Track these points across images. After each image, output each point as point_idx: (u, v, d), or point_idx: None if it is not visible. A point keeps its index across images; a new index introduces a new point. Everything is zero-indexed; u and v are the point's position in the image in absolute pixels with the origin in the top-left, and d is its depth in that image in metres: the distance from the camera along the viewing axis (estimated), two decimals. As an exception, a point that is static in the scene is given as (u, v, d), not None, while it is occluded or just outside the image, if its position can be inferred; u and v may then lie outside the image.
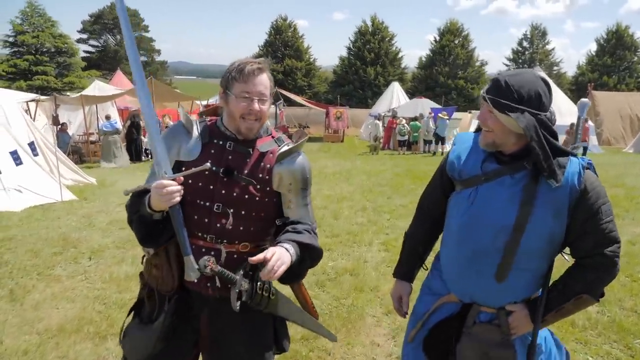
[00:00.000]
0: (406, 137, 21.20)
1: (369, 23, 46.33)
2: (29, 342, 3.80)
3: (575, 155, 1.78)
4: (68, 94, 25.54)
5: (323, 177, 12.56)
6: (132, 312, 2.10)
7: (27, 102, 13.28)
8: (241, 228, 1.90)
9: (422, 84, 45.68)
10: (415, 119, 21.54)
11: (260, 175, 1.92)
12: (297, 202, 1.98)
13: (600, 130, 25.83)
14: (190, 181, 1.85)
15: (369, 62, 44.48)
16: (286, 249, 1.78)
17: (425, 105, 23.53)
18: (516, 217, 1.72)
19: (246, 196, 1.89)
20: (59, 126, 14.62)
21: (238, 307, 1.75)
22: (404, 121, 21.52)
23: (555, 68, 49.92)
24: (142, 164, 15.96)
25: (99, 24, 53.43)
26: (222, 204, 1.87)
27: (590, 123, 19.62)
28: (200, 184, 1.87)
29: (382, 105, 27.23)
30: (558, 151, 1.71)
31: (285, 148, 1.97)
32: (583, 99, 2.38)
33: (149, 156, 16.79)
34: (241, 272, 1.79)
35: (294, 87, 43.08)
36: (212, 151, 1.91)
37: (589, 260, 1.76)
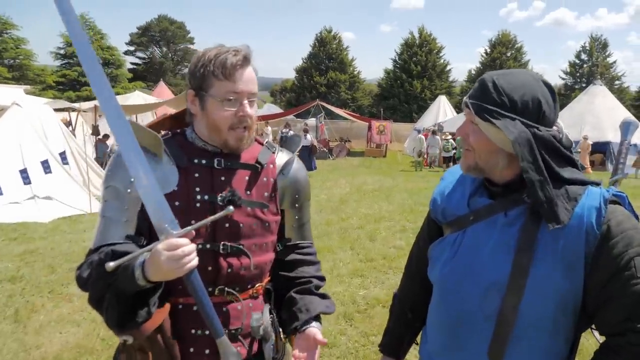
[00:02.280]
0: (452, 153, 20.30)
1: (417, 35, 45.55)
2: (21, 371, 3.53)
3: (597, 185, 1.29)
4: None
5: (362, 194, 12.04)
6: None
7: (68, 112, 13.54)
8: (255, 266, 1.51)
9: (470, 98, 44.43)
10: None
11: (266, 194, 1.53)
12: (303, 218, 1.66)
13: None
14: (178, 221, 1.35)
15: (415, 75, 43.64)
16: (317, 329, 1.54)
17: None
18: (511, 270, 1.24)
19: (254, 224, 1.50)
20: (99, 136, 14.81)
21: None
22: (450, 136, 20.67)
23: (617, 82, 46.75)
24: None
25: (146, 36, 55.34)
26: (229, 242, 1.46)
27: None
28: (193, 221, 1.34)
29: (427, 120, 26.46)
30: (567, 180, 1.25)
31: (283, 154, 1.62)
32: (628, 118, 1.78)
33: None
34: (268, 320, 1.54)
35: (337, 99, 42.86)
36: (196, 175, 1.44)
37: (620, 340, 1.20)
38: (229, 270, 1.46)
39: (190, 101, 1.46)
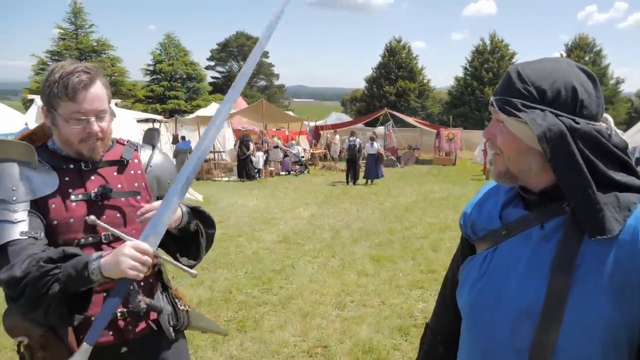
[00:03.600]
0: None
1: (488, 41, 44.15)
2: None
3: None
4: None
5: (428, 203, 11.78)
6: None
7: (152, 122, 14.95)
8: None
9: (546, 104, 42.32)
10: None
11: (136, 184, 1.71)
12: None
13: None
14: (55, 222, 1.52)
15: (487, 82, 42.12)
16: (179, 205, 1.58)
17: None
18: (546, 296, 1.02)
19: (130, 212, 1.64)
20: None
21: (173, 334, 1.70)
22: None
23: None
24: (251, 182, 16.34)
25: (225, 52, 58.32)
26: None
27: None
28: (71, 219, 1.53)
29: (499, 127, 25.49)
30: (619, 185, 1.03)
31: (146, 150, 1.81)
32: None
33: (259, 174, 17.17)
34: (160, 295, 1.71)
35: (407, 108, 42.34)
36: (67, 179, 1.56)
37: None
38: None
39: (44, 115, 1.54)
